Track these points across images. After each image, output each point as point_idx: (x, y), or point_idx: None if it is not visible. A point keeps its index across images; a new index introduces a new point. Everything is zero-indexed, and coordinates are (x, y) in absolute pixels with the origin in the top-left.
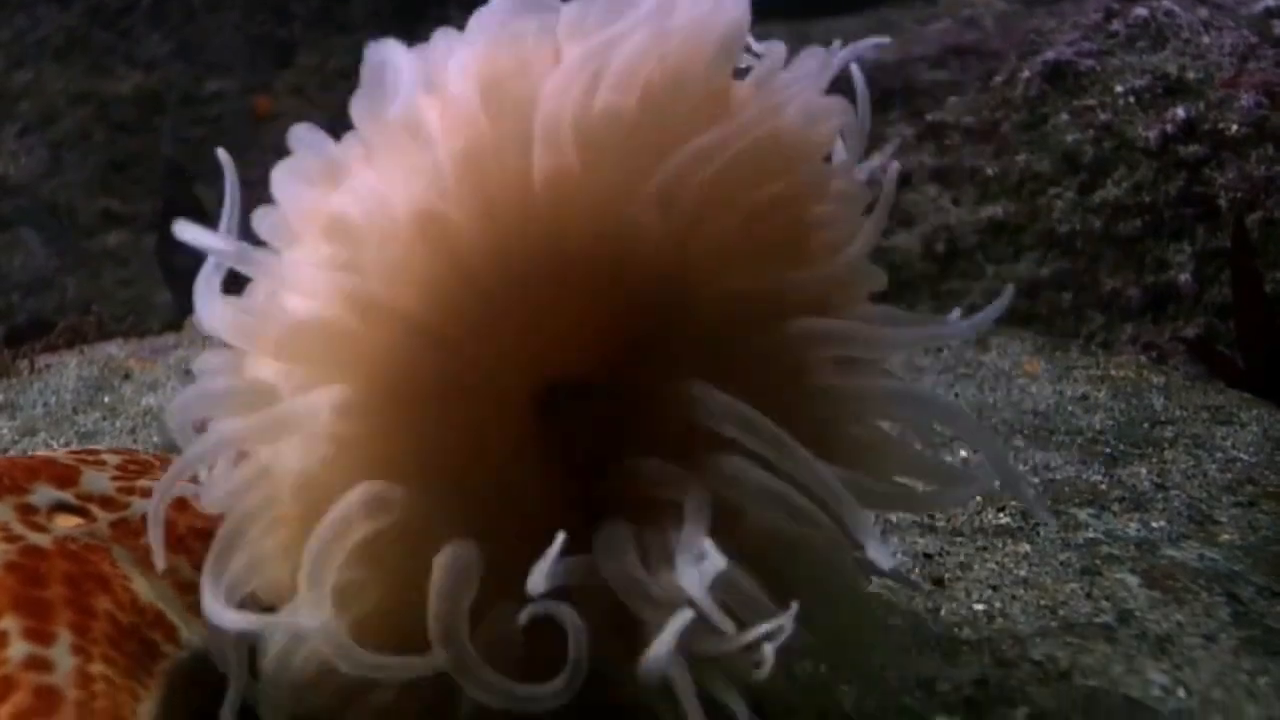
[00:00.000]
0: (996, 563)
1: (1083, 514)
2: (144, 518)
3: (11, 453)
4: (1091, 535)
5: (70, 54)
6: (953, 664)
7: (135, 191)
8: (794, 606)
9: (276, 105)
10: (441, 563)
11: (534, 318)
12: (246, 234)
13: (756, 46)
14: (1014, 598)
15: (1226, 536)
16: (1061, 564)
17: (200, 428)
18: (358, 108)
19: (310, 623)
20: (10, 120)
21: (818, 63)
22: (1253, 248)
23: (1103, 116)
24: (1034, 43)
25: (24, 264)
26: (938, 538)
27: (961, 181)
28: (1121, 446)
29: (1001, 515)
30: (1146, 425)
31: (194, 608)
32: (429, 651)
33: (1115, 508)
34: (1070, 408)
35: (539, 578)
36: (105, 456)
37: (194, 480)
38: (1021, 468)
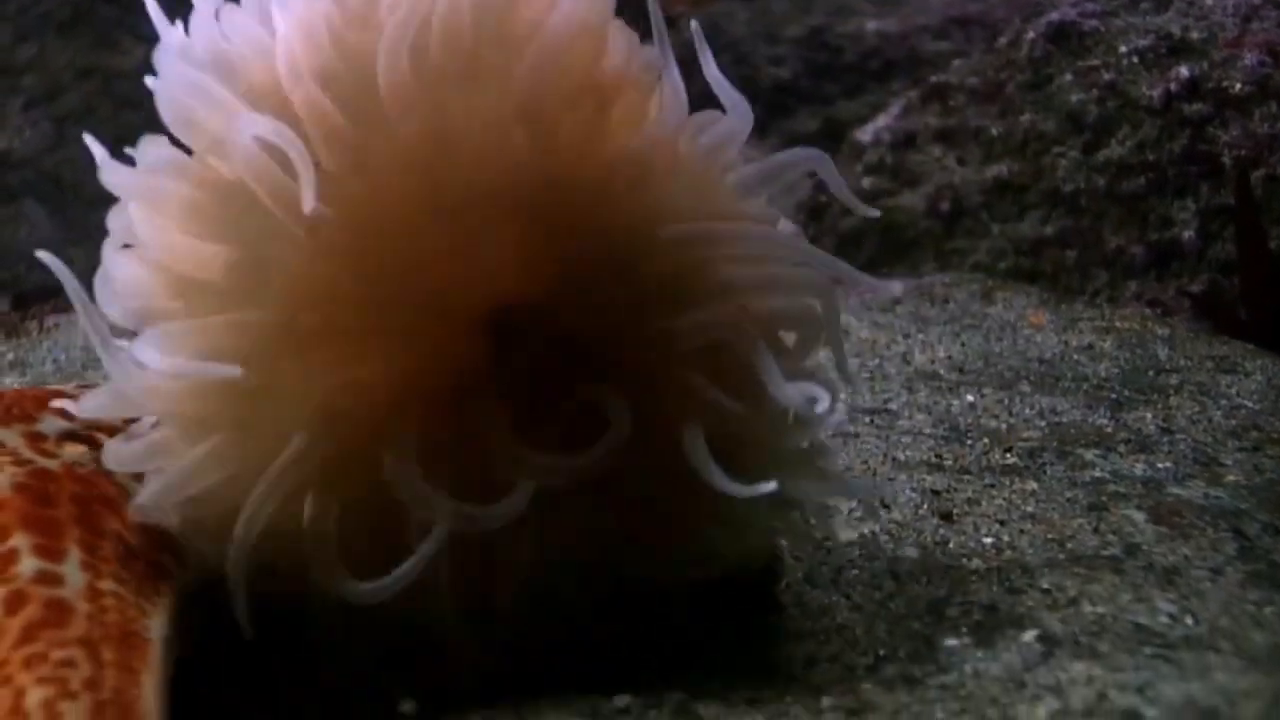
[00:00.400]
0: (1004, 499)
1: (1089, 454)
2: None
3: None
4: (1098, 475)
5: (75, 28)
6: (962, 591)
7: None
8: None
9: None
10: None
11: (450, 252)
12: None
13: None
14: (1022, 531)
15: (1232, 478)
16: (1068, 501)
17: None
18: None
19: None
20: (14, 94)
21: None
22: (1257, 205)
23: (1107, 76)
24: (1038, 4)
25: (28, 237)
26: (945, 475)
27: (966, 141)
28: (1127, 393)
29: (1009, 455)
30: (1152, 373)
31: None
32: None
33: (1121, 449)
34: (1076, 356)
35: None
36: None
37: None
38: (1028, 411)
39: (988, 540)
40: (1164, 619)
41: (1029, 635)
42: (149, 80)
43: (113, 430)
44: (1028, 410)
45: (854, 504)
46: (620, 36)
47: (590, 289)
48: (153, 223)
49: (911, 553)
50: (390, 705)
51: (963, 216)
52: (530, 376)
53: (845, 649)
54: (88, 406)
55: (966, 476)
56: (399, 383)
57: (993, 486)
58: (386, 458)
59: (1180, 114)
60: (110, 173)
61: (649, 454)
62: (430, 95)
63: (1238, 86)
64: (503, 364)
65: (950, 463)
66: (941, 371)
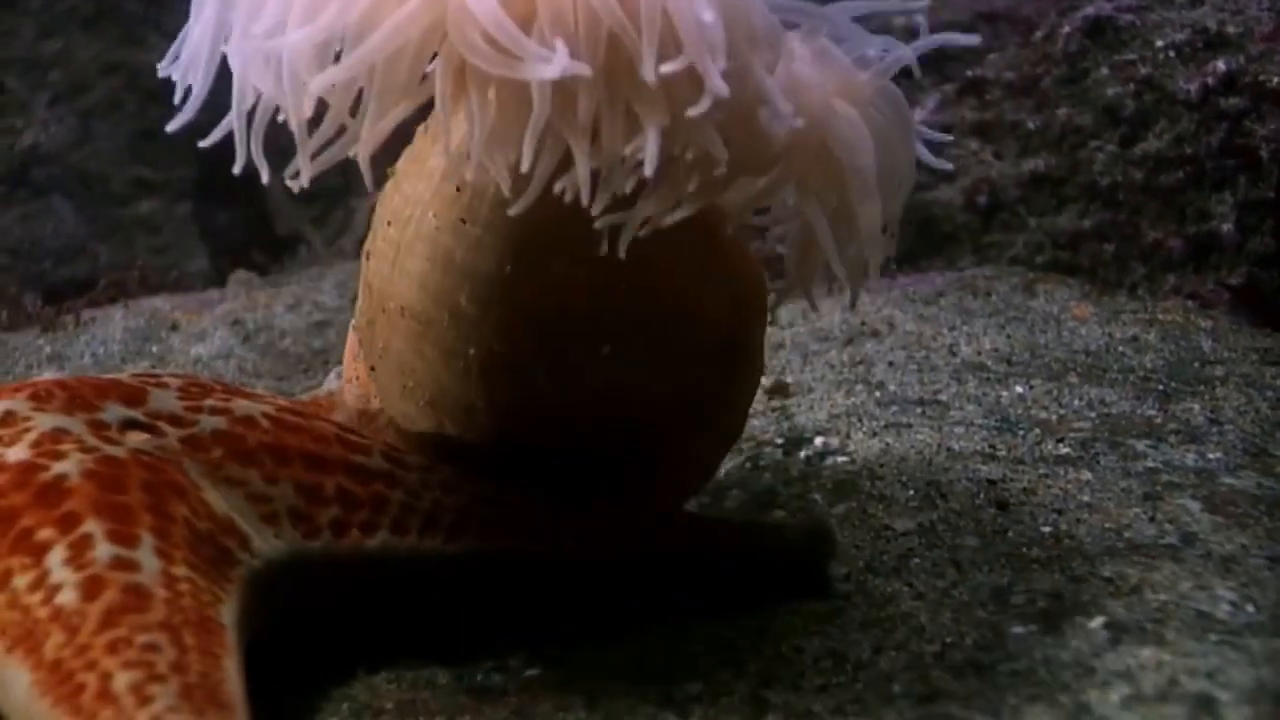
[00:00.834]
0: (1060, 489)
1: (1140, 445)
2: (213, 433)
3: None
4: (1150, 465)
5: (100, 23)
6: (1024, 579)
7: (167, 160)
8: None
9: None
10: None
11: None
12: None
13: None
14: (1079, 521)
15: None
16: (1123, 490)
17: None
18: None
19: None
20: (40, 89)
21: None
22: None
23: (1143, 70)
24: (1072, 1)
25: (55, 231)
26: (999, 465)
27: (1003, 135)
28: (1174, 384)
29: (1061, 445)
30: (1197, 365)
31: (266, 518)
32: None
33: (1172, 440)
34: (1121, 348)
35: None
36: (167, 379)
37: None
38: (1077, 403)
39: (1046, 529)
40: (1226, 606)
41: (1096, 622)
42: None
43: (174, 419)
44: (1077, 401)
45: (911, 493)
46: None
47: None
48: None
49: (971, 541)
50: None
51: (1000, 210)
52: None
53: (912, 636)
54: None
55: (1021, 466)
56: None
57: (1047, 476)
58: None
59: (1217, 108)
60: None
61: None
62: None
63: (1275, 80)
64: None
65: (1004, 453)
66: (989, 363)
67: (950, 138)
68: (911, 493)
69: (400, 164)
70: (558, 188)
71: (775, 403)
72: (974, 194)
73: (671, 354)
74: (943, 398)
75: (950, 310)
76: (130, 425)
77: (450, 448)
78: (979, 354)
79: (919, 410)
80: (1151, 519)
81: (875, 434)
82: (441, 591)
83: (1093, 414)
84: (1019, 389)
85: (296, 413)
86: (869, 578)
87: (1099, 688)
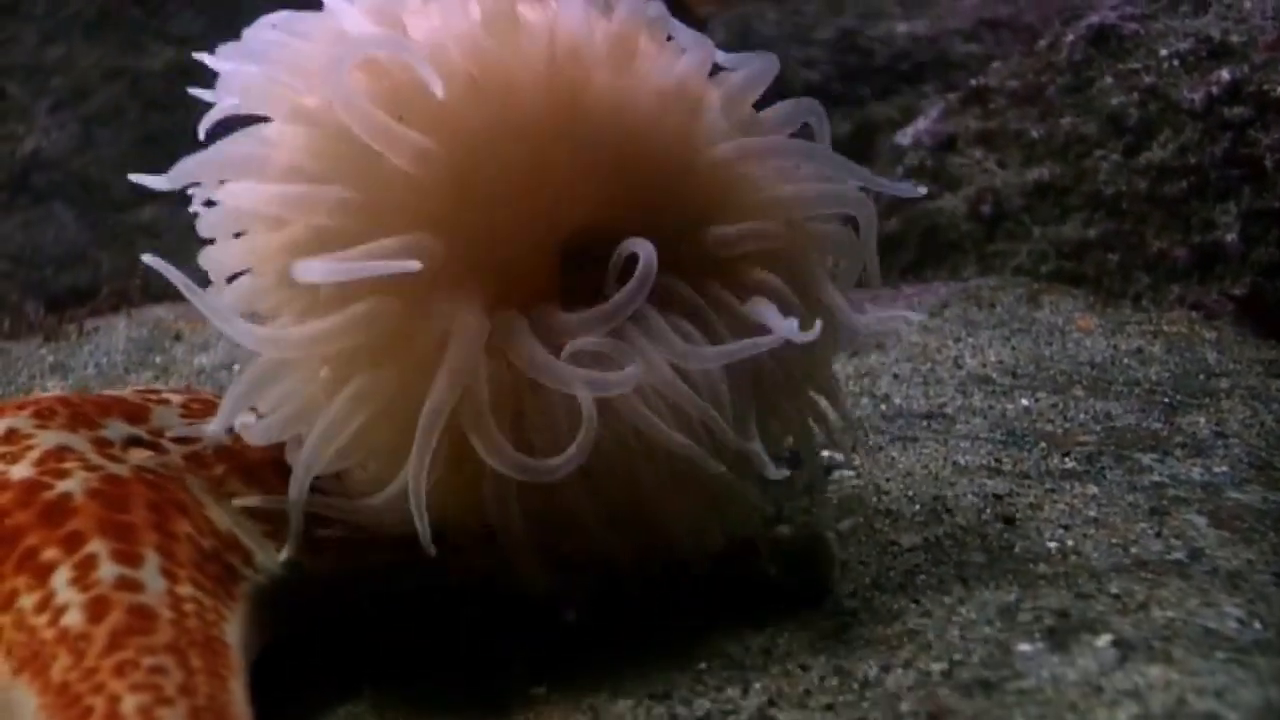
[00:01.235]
0: (1066, 503)
1: (1146, 459)
2: (215, 451)
3: None
4: (1156, 479)
5: (102, 29)
6: (1031, 596)
7: (168, 167)
8: None
9: None
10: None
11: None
12: None
13: None
14: (1086, 536)
15: None
16: (1130, 505)
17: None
18: None
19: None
20: (42, 96)
21: None
22: None
23: (1147, 79)
24: (1077, 8)
25: (57, 238)
26: (1005, 480)
27: (1007, 144)
28: (1179, 397)
29: (1067, 459)
30: (1202, 377)
31: (269, 534)
32: None
33: (1177, 453)
34: (1126, 360)
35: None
36: (169, 395)
37: None
38: (1083, 416)
39: (1052, 545)
40: (1233, 623)
41: (1103, 640)
42: (217, 63)
43: (177, 436)
44: (1082, 414)
45: (917, 508)
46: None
47: (646, 206)
48: (254, 191)
49: (978, 558)
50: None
51: (1004, 220)
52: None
53: (919, 654)
54: (245, 383)
55: (1027, 481)
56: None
57: (1054, 491)
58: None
59: (1221, 117)
60: (198, 166)
61: None
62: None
63: (1279, 90)
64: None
65: (1010, 467)
66: (994, 375)
67: (922, 191)
68: (918, 508)
69: None
70: None
71: None
72: (978, 203)
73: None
74: (948, 411)
75: (955, 322)
76: (133, 442)
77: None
78: (984, 366)
79: (925, 424)
80: (1158, 534)
81: (881, 448)
82: (445, 605)
83: (1098, 427)
84: (1024, 402)
85: None
86: (875, 594)
87: (1107, 707)
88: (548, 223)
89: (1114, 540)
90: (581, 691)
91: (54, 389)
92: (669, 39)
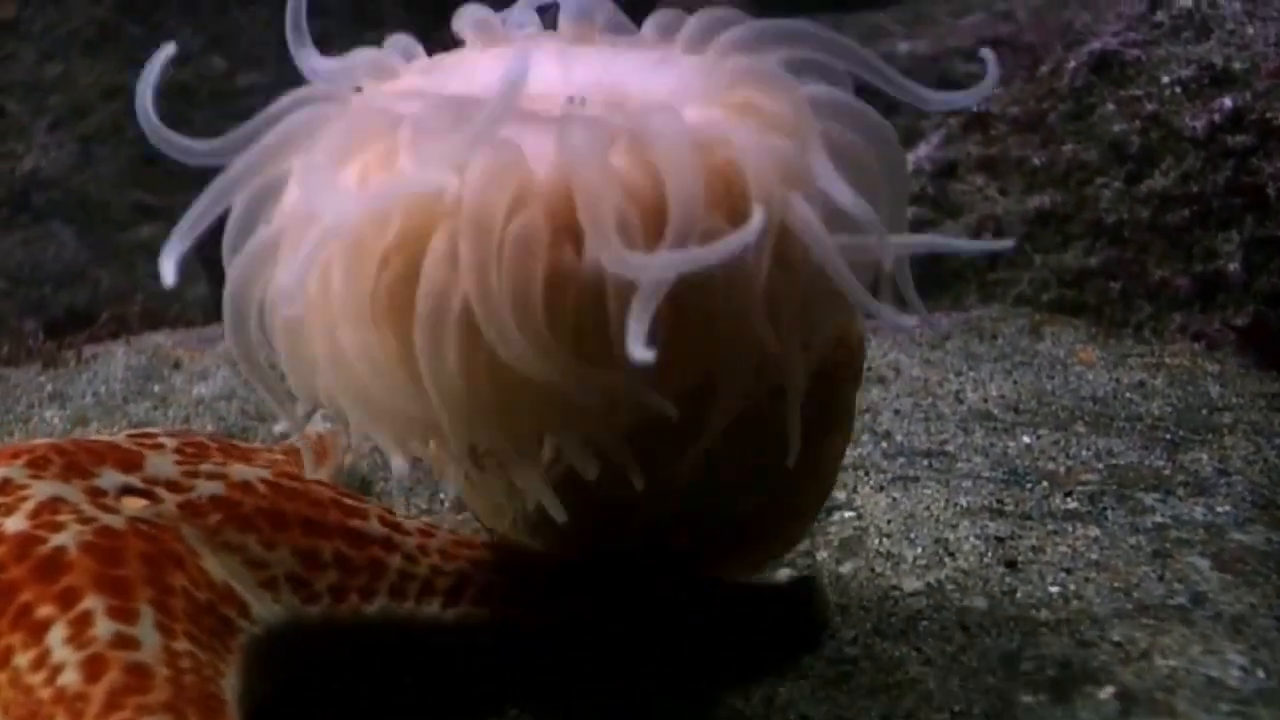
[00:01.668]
0: (1068, 546)
1: (1149, 498)
2: (210, 499)
3: None
4: (1159, 520)
5: (101, 47)
6: (1033, 644)
7: (168, 185)
8: None
9: None
10: None
11: None
12: None
13: None
14: (1088, 580)
15: None
16: (1132, 547)
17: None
18: None
19: None
20: (41, 114)
21: None
22: None
23: (1149, 107)
24: (1079, 33)
25: (56, 257)
26: (1007, 521)
27: (1008, 171)
28: (1181, 433)
29: (1069, 500)
30: (1205, 412)
31: (265, 584)
32: None
33: (1180, 492)
34: (1128, 395)
35: None
36: (163, 440)
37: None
38: (1085, 453)
39: (1054, 589)
40: (1236, 672)
41: (1106, 692)
42: None
43: (171, 484)
44: (1084, 452)
45: (919, 551)
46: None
47: None
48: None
49: (979, 603)
50: None
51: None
52: None
53: (920, 704)
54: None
55: (1029, 522)
56: None
57: (1056, 533)
58: None
59: (1224, 145)
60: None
61: None
62: None
63: None
64: None
65: (1012, 508)
66: (995, 411)
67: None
68: (919, 550)
69: None
70: None
71: None
72: (979, 231)
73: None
74: (950, 449)
75: (956, 355)
76: (127, 491)
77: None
78: (985, 401)
79: (926, 462)
80: (1160, 578)
81: (882, 488)
82: (441, 657)
83: (1100, 465)
84: (1026, 439)
85: (293, 477)
86: (876, 640)
87: None
88: None
89: (1116, 584)
90: None
91: (53, 418)
92: None
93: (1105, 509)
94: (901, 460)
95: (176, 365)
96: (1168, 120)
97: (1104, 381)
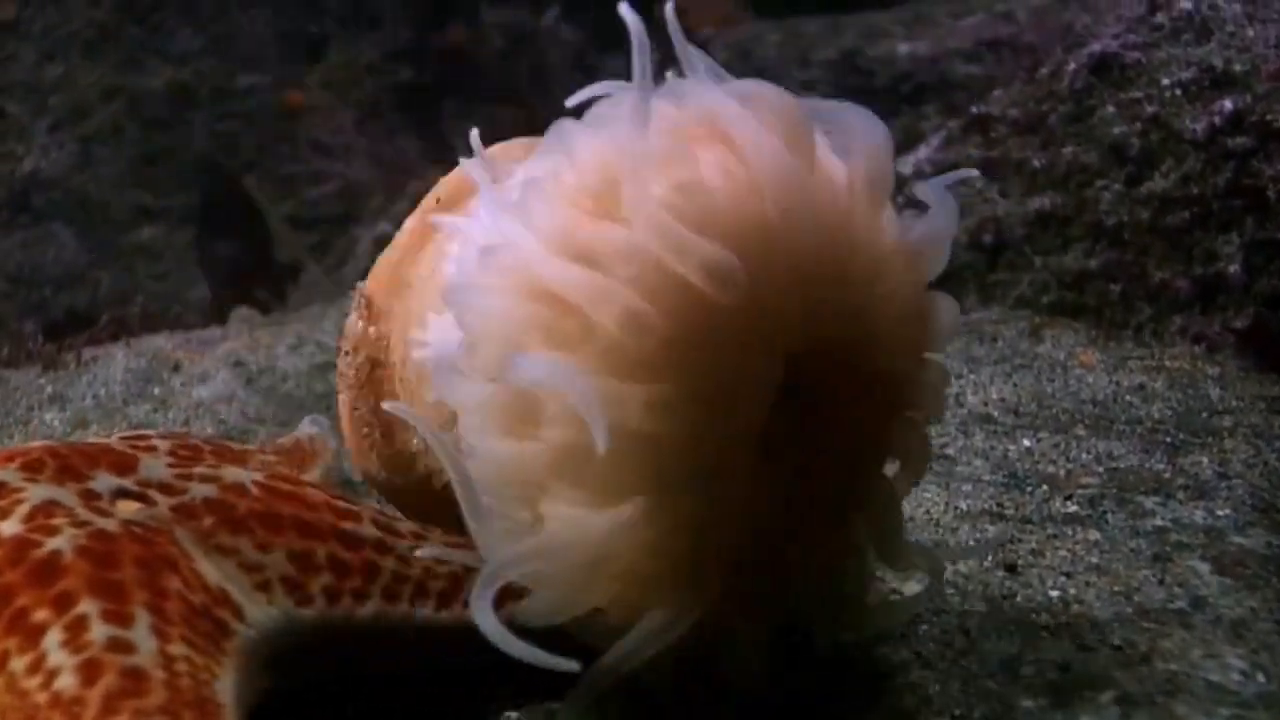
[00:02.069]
0: (1068, 550)
1: (1149, 502)
2: (204, 501)
3: None
4: (1159, 523)
5: (101, 48)
6: (1033, 648)
7: (168, 186)
8: None
9: (307, 100)
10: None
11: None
12: None
13: None
14: (1088, 584)
15: None
16: (1132, 551)
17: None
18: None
19: None
20: (41, 115)
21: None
22: None
23: (1149, 109)
24: (1079, 35)
25: (56, 258)
26: (1007, 525)
27: (1008, 173)
28: (1182, 436)
29: (1069, 503)
30: (1205, 415)
31: (259, 586)
32: None
33: (1180, 496)
34: (1128, 398)
35: None
36: (156, 442)
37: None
38: (1085, 456)
39: (1054, 593)
40: (1236, 676)
41: (1106, 696)
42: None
43: (164, 486)
44: (1085, 455)
45: None
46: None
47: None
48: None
49: (980, 607)
50: None
51: (1005, 249)
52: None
53: (921, 708)
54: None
55: (1029, 526)
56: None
57: (1056, 537)
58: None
59: (1224, 147)
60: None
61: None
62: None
63: None
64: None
65: (1012, 512)
66: (996, 414)
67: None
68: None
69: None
70: None
71: None
72: (979, 233)
73: None
74: (950, 452)
75: (956, 357)
76: (121, 494)
77: None
78: (985, 404)
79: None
80: (1160, 581)
81: None
82: (437, 657)
83: (1100, 468)
84: (1026, 442)
85: (286, 479)
86: (876, 644)
87: None
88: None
89: (1116, 588)
90: None
91: (52, 420)
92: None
93: (1105, 512)
94: None
95: (176, 368)
96: (1168, 122)
97: (1104, 384)
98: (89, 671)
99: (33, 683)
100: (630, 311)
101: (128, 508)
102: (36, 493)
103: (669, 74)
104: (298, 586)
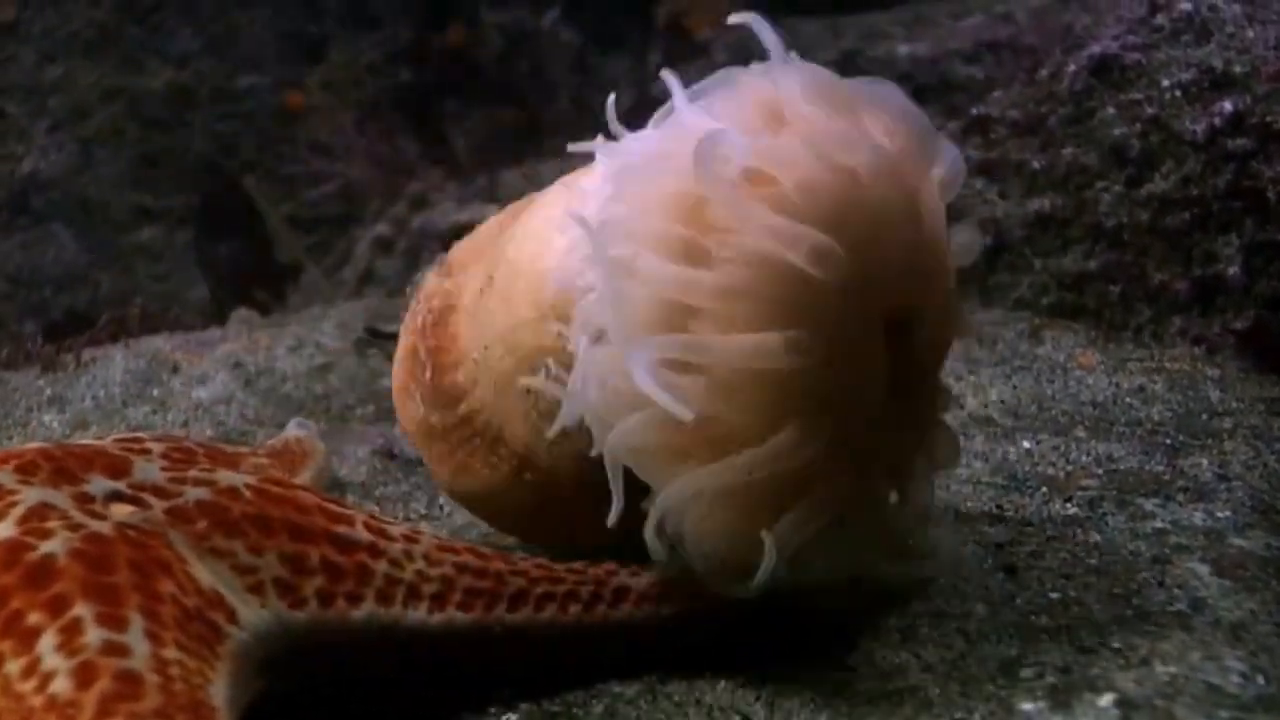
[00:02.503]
0: (1068, 552)
1: (1149, 504)
2: (197, 504)
3: None
4: (1159, 525)
5: (101, 49)
6: (1033, 651)
7: (168, 187)
8: None
9: (307, 101)
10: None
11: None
12: None
13: None
14: (1088, 586)
15: None
16: (1131, 553)
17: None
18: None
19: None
20: (41, 116)
21: None
22: None
23: (1149, 110)
24: (1079, 37)
25: (55, 259)
26: (1007, 527)
27: (1008, 175)
28: (1181, 438)
29: (1069, 505)
30: (1205, 416)
31: (252, 589)
32: None
33: (1180, 498)
34: (1128, 399)
35: None
36: (150, 445)
37: None
38: (1085, 458)
39: (1054, 595)
40: (1235, 678)
41: (1105, 699)
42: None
43: (158, 490)
44: (1084, 457)
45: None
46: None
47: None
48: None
49: (980, 609)
50: None
51: (1005, 251)
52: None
53: (920, 711)
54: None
55: (1029, 529)
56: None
57: (1055, 539)
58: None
59: (1224, 149)
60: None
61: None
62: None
63: None
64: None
65: (1011, 514)
66: (995, 416)
67: None
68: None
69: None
70: None
71: None
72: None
73: None
74: None
75: (956, 359)
76: (115, 497)
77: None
78: (985, 406)
79: None
80: (1160, 584)
81: None
82: (429, 659)
83: (1100, 470)
84: (1026, 444)
85: (279, 482)
86: (876, 647)
87: None
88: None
89: (1116, 590)
90: None
91: (51, 422)
92: None
93: (1105, 514)
94: None
95: (175, 369)
96: (1168, 124)
97: (1104, 386)
98: (84, 675)
99: (28, 686)
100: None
101: (121, 510)
102: (30, 495)
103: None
104: (291, 589)
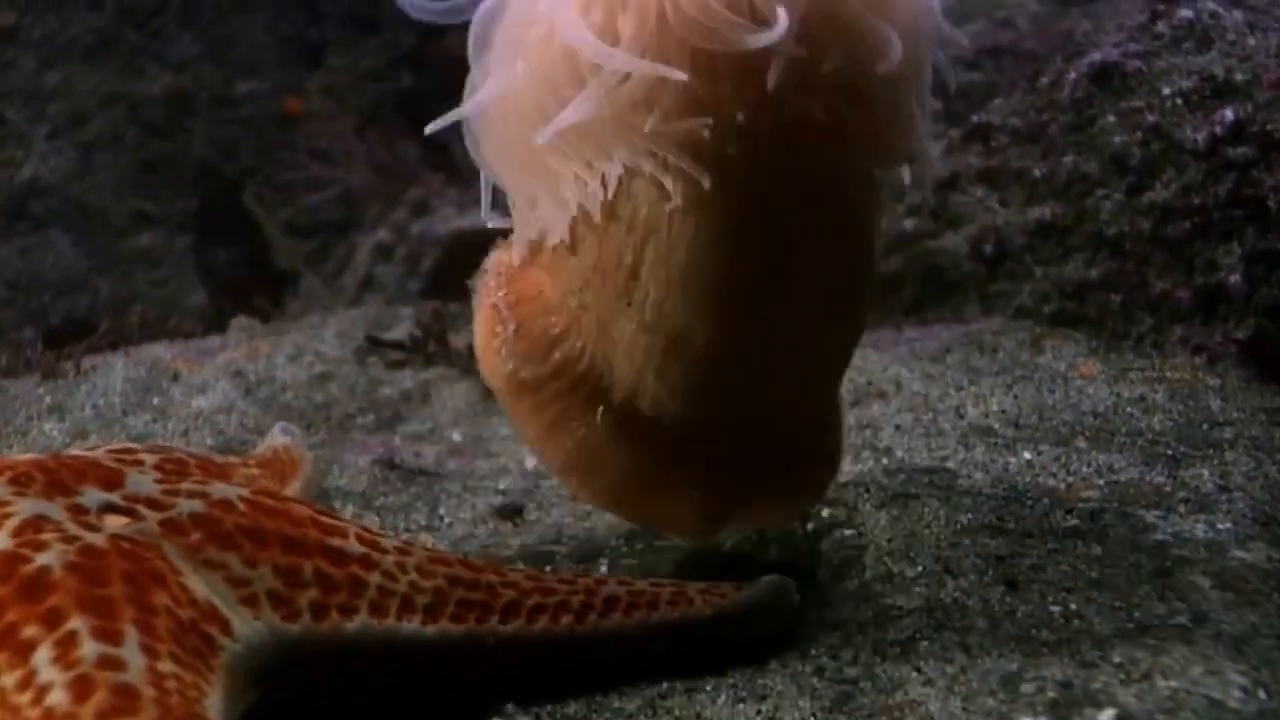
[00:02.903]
0: (1069, 565)
1: (1150, 516)
2: (190, 516)
3: None
4: (1160, 537)
5: (100, 55)
6: (1034, 665)
7: (167, 193)
8: None
9: (307, 106)
10: None
11: None
12: None
13: None
14: (1088, 600)
15: None
16: (1132, 566)
17: None
18: None
19: None
20: (40, 122)
21: None
22: None
23: (1150, 118)
24: (1079, 44)
25: (54, 265)
26: (1008, 540)
27: (1009, 183)
28: (1182, 448)
29: (1070, 517)
30: (1206, 427)
31: (246, 601)
32: None
33: (1181, 509)
34: (1129, 409)
35: None
36: (143, 456)
37: None
38: (1085, 469)
39: (1055, 609)
40: (1237, 693)
41: (1106, 715)
42: None
43: (151, 501)
44: (1085, 468)
45: (919, 569)
46: None
47: None
48: None
49: (980, 623)
50: None
51: (1006, 259)
52: None
53: None
54: None
55: (1029, 541)
56: None
57: (1056, 551)
58: None
59: (1225, 157)
60: None
61: None
62: None
63: None
64: None
65: (1012, 525)
66: (996, 426)
67: None
68: (920, 569)
69: None
70: None
71: None
72: (980, 242)
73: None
74: (950, 465)
75: (957, 369)
76: (109, 509)
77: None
78: (986, 416)
79: (927, 480)
80: (1161, 597)
81: (883, 505)
82: (423, 671)
83: (1101, 481)
84: (1027, 455)
85: (271, 494)
86: (877, 661)
87: None
88: None
89: (1117, 604)
90: None
91: (51, 431)
92: None
93: (1106, 526)
94: (902, 477)
95: (175, 377)
96: (1169, 132)
97: (1104, 396)
98: (80, 688)
99: (23, 699)
100: None
101: (116, 522)
102: (25, 507)
103: None
104: (285, 601)
